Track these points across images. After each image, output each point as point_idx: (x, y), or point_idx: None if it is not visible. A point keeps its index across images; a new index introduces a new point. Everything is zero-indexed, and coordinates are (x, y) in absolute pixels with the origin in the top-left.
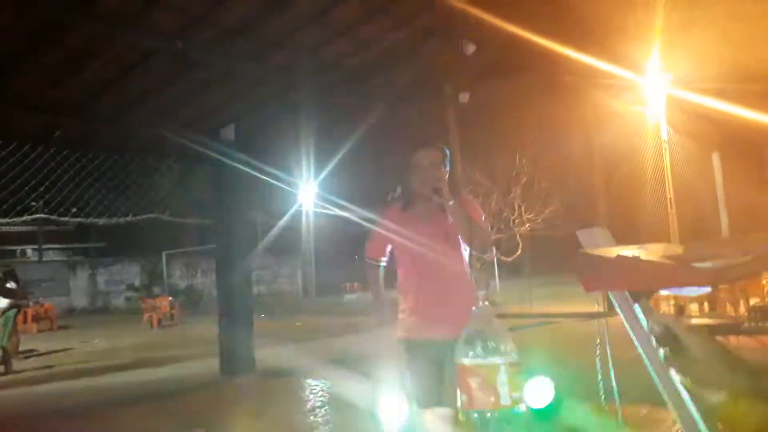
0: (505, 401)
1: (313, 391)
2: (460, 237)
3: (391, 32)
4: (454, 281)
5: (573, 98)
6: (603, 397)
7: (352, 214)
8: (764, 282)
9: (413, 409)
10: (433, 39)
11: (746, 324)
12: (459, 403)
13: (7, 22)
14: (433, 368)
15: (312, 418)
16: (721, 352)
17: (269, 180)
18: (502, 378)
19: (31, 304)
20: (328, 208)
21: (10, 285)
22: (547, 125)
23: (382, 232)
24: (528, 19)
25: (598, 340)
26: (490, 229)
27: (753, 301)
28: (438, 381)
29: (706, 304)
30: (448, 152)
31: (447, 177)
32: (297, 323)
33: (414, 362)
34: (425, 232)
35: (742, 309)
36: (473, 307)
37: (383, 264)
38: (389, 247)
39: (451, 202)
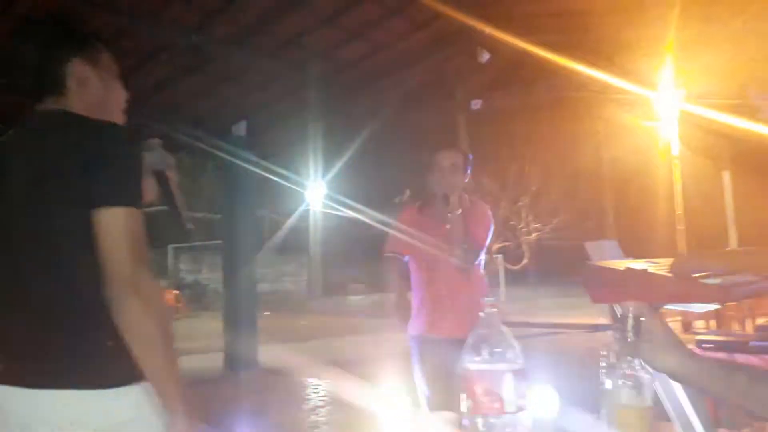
0: (510, 408)
1: (316, 390)
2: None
3: (406, 36)
4: (466, 282)
5: (584, 111)
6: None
7: (360, 214)
8: None
9: (415, 411)
10: (447, 44)
11: (753, 343)
12: (463, 408)
13: (26, 11)
14: (443, 367)
15: (313, 417)
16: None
17: (278, 179)
18: (508, 385)
19: None
20: (336, 208)
21: None
22: (557, 137)
23: (398, 233)
24: (541, 33)
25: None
26: (482, 250)
27: (760, 320)
28: (449, 380)
29: (712, 322)
30: (470, 157)
31: (465, 182)
32: (302, 322)
33: (424, 360)
34: (440, 232)
35: (749, 328)
36: (481, 310)
37: (403, 259)
38: (405, 246)
39: (458, 212)
